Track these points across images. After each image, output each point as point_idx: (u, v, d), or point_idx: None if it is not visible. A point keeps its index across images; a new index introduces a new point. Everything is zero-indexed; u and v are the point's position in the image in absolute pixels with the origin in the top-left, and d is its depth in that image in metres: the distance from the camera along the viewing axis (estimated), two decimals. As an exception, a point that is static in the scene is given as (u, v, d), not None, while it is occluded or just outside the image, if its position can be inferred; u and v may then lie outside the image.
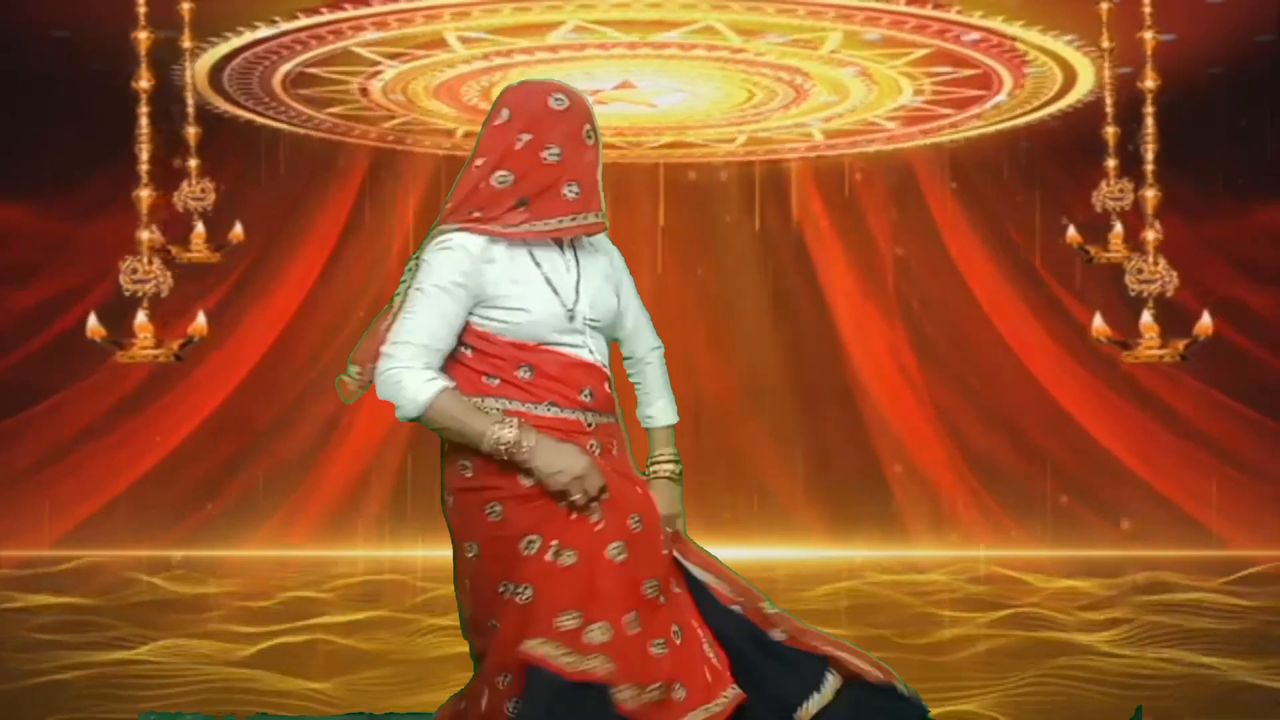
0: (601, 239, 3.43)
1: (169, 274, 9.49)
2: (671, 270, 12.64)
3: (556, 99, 3.25)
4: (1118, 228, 9.72)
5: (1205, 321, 9.68)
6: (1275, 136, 11.25)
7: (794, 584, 9.79)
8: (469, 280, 3.19)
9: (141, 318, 9.44)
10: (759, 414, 12.62)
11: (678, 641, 3.19)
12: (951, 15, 9.72)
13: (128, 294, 9.48)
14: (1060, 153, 11.79)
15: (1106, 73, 9.68)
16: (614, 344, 3.48)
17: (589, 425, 3.25)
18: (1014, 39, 10.08)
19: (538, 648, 3.08)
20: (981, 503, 12.23)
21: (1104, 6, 9.46)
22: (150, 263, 9.41)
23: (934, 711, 5.56)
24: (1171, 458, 11.98)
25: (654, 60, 10.52)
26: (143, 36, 9.29)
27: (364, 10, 9.60)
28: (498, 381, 3.21)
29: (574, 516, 3.16)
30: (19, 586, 9.43)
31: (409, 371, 3.17)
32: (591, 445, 3.24)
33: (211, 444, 12.14)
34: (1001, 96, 11.17)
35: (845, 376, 12.65)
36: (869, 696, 3.30)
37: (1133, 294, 9.62)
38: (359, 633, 7.82)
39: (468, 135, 11.91)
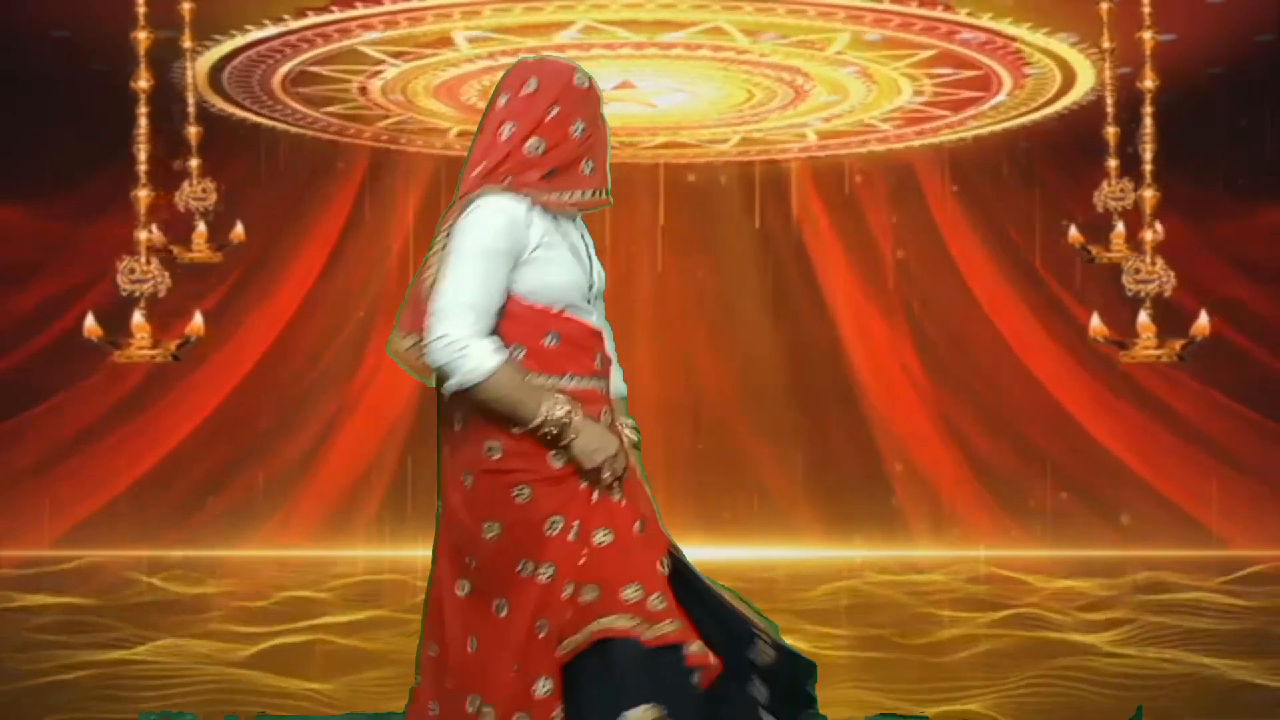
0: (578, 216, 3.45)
1: (166, 274, 9.49)
2: (671, 270, 12.64)
3: (580, 77, 3.30)
4: (1119, 227, 9.73)
5: (1203, 322, 9.69)
6: (1275, 136, 11.25)
7: (794, 584, 9.79)
8: (514, 244, 3.19)
9: (138, 318, 9.44)
10: (759, 414, 12.61)
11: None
12: (962, 17, 9.72)
13: (125, 294, 9.48)
14: (1060, 153, 11.79)
15: (1107, 73, 9.69)
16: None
17: (602, 392, 3.30)
18: (1014, 39, 10.08)
19: (616, 623, 3.13)
20: (982, 502, 12.23)
21: (1104, 6, 9.46)
22: (148, 263, 9.42)
23: (934, 711, 5.56)
24: (1171, 457, 11.98)
25: (658, 60, 10.52)
26: (142, 36, 9.30)
27: (375, 9, 9.60)
28: (524, 353, 3.22)
29: (597, 497, 3.21)
30: (19, 586, 9.42)
31: (473, 339, 3.14)
32: (605, 413, 3.30)
33: (211, 444, 12.14)
34: (1001, 97, 11.17)
35: (845, 376, 12.65)
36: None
37: (1130, 294, 9.63)
38: (359, 633, 7.82)
39: (461, 135, 11.92)
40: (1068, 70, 10.64)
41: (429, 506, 3.68)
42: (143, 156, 9.40)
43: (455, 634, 3.28)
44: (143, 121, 9.40)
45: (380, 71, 10.65)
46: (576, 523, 3.19)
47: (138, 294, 9.45)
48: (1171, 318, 9.85)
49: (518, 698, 3.18)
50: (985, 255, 12.52)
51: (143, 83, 9.35)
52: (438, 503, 3.34)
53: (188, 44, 9.65)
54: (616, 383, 3.47)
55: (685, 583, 3.31)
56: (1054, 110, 11.47)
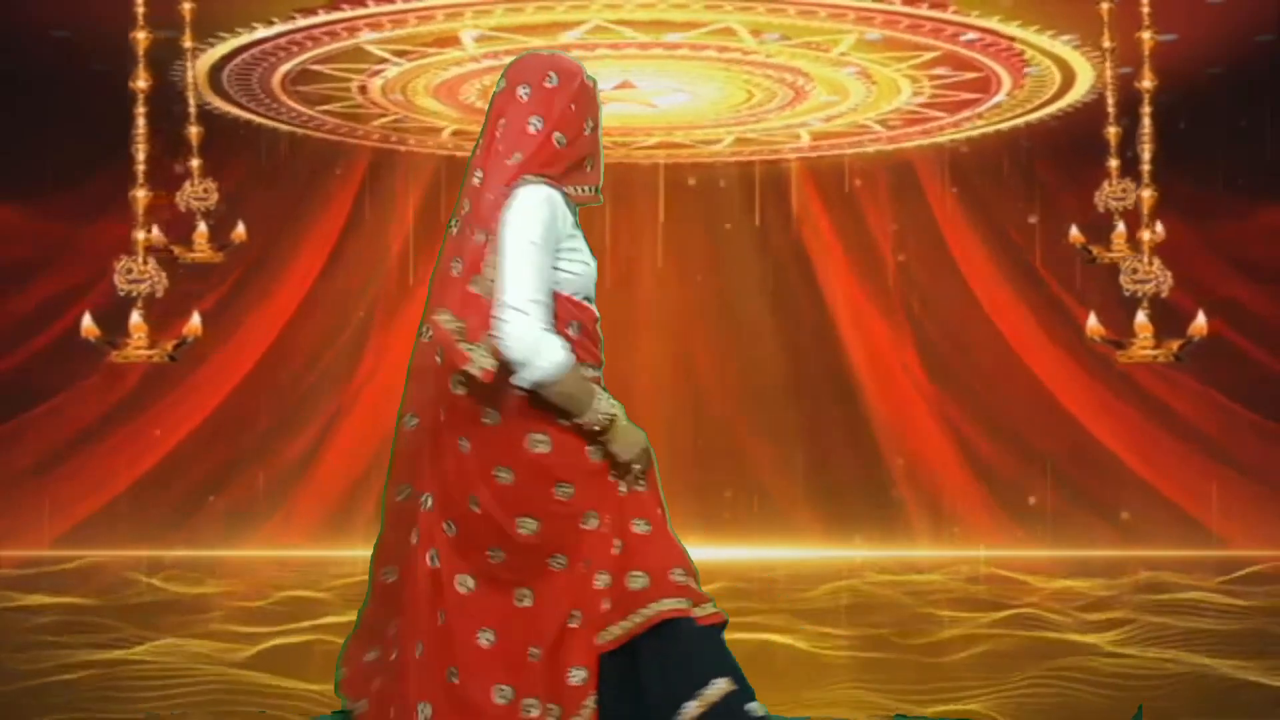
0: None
1: (164, 274, 9.48)
2: (671, 270, 12.64)
3: (588, 77, 3.35)
4: (1120, 227, 9.73)
5: (1200, 322, 9.69)
6: (1275, 136, 11.25)
7: (794, 584, 9.79)
8: (558, 234, 3.23)
9: (136, 318, 9.44)
10: (759, 414, 12.61)
11: None
12: (971, 19, 9.72)
13: (122, 294, 9.48)
14: (1060, 153, 11.79)
15: (1108, 73, 9.69)
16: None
17: (603, 383, 3.33)
18: (1013, 39, 10.08)
19: (675, 604, 3.19)
20: (982, 502, 12.23)
21: (1104, 6, 9.46)
22: (145, 263, 9.41)
23: (934, 711, 5.55)
24: (1171, 458, 11.98)
25: (660, 60, 10.51)
26: (141, 36, 9.30)
27: (384, 7, 9.58)
28: None
29: (626, 489, 3.26)
30: (19, 586, 9.42)
31: (547, 334, 3.16)
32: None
33: (211, 444, 12.14)
34: (1000, 97, 11.17)
35: (845, 377, 12.65)
36: None
37: (1127, 294, 9.63)
38: (359, 633, 7.80)
39: (457, 134, 11.92)
40: (1067, 70, 10.64)
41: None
42: (141, 157, 9.40)
43: (462, 631, 3.25)
44: (141, 122, 9.40)
45: (381, 70, 10.65)
46: (611, 516, 3.24)
47: (135, 294, 9.44)
48: (1171, 318, 9.85)
49: (550, 687, 3.20)
50: (985, 255, 12.52)
51: (141, 83, 9.34)
52: (426, 501, 3.30)
53: (188, 44, 9.65)
54: None
55: None
56: (1054, 110, 11.47)
